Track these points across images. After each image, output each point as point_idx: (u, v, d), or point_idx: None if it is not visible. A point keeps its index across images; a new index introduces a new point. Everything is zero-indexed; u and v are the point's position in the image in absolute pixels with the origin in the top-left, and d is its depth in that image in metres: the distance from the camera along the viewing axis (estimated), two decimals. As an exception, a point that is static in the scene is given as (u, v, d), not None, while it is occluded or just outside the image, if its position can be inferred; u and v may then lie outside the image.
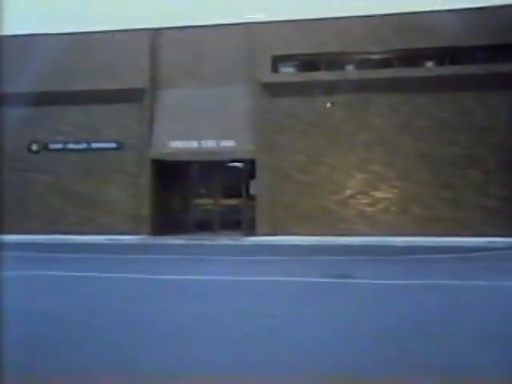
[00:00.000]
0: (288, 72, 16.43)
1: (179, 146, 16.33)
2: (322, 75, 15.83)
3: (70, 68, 16.74)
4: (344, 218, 15.59)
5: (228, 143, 16.13)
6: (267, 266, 9.83)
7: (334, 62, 16.03)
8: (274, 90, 15.94)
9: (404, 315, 5.55)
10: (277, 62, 16.14)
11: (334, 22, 15.74)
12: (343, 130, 15.74)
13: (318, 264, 10.01)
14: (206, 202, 17.82)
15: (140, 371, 3.83)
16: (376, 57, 15.94)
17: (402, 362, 4.01)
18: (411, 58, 15.59)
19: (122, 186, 16.74)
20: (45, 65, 16.38)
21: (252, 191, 16.72)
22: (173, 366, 3.93)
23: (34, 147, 17.12)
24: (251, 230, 15.97)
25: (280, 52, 15.97)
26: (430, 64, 15.64)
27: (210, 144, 16.18)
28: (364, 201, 15.61)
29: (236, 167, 17.54)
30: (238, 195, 17.19)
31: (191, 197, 17.85)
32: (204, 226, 17.34)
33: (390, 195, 15.52)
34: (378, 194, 15.56)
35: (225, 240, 15.22)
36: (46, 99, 16.70)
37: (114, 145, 16.82)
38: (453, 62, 15.31)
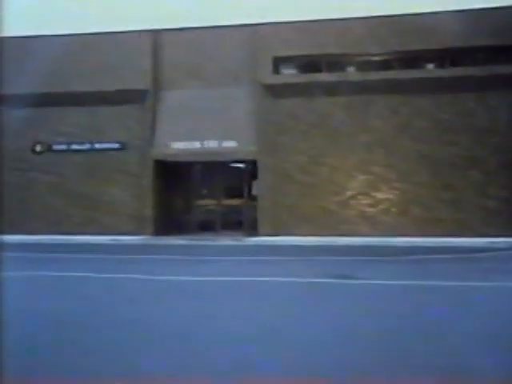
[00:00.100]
0: (289, 73, 16.53)
1: (181, 146, 16.43)
2: (323, 76, 15.91)
3: (73, 69, 16.86)
4: (345, 218, 15.67)
5: (230, 144, 16.23)
6: (269, 267, 9.90)
7: (334, 63, 16.11)
8: (275, 91, 16.03)
9: (405, 316, 5.61)
10: (278, 63, 16.23)
11: (334, 24, 15.82)
12: (344, 131, 15.83)
13: (319, 264, 10.08)
14: (208, 202, 17.92)
15: (140, 371, 3.88)
16: (377, 58, 16.02)
17: (402, 362, 4.07)
18: (412, 59, 15.66)
19: (124, 187, 16.86)
20: (48, 66, 16.51)
21: (254, 192, 16.82)
22: (173, 367, 3.98)
23: (38, 148, 17.25)
24: (253, 231, 16.07)
25: (281, 53, 16.06)
26: (430, 66, 15.73)
27: (212, 145, 16.28)
28: (365, 202, 15.70)
29: (238, 168, 17.64)
30: (239, 196, 17.29)
31: (193, 197, 17.96)
32: (206, 227, 17.44)
33: (391, 196, 15.60)
34: (379, 195, 15.64)
35: (227, 240, 15.32)
36: (49, 100, 16.84)
37: (116, 145, 16.94)
38: (453, 64, 15.38)
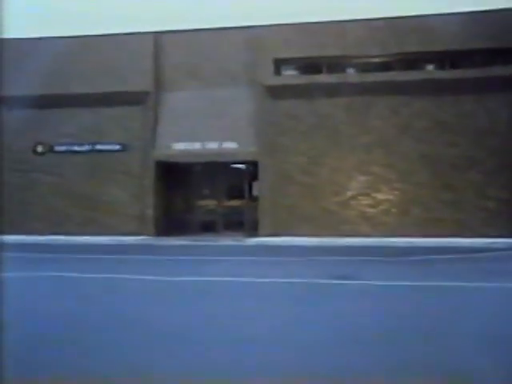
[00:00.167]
0: (290, 74, 16.61)
1: (182, 147, 16.50)
2: (324, 78, 15.99)
3: (75, 71, 16.93)
4: (345, 219, 15.74)
5: (231, 145, 16.30)
6: (270, 268, 9.96)
7: (335, 64, 16.18)
8: (275, 92, 16.10)
9: (406, 316, 5.66)
10: (279, 64, 16.30)
11: (335, 25, 15.89)
12: (344, 132, 15.90)
13: (320, 265, 10.14)
14: (209, 203, 17.99)
15: (141, 372, 3.93)
16: (377, 60, 16.10)
17: (402, 363, 4.12)
18: (412, 61, 15.74)
19: (126, 188, 16.93)
20: (49, 68, 16.60)
21: (255, 192, 16.89)
22: (174, 368, 4.02)
23: (39, 149, 17.33)
24: (254, 231, 16.14)
25: (282, 55, 16.13)
26: (430, 67, 15.82)
27: (212, 146, 16.36)
28: (365, 202, 15.76)
29: (239, 169, 17.71)
30: (240, 196, 17.36)
31: (194, 198, 18.03)
32: (207, 227, 17.51)
33: (391, 197, 15.67)
34: (379, 196, 15.71)
35: (228, 241, 15.38)
36: (50, 102, 16.93)
37: (118, 147, 17.01)
38: (453, 66, 15.46)
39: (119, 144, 17.02)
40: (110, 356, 4.33)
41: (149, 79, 16.77)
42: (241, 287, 7.64)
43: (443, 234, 14.70)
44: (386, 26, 15.58)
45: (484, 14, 15.07)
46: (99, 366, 4.06)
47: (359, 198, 15.80)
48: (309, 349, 4.46)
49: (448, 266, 10.22)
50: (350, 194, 15.84)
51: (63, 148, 17.28)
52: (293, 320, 5.54)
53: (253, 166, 16.59)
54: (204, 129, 16.31)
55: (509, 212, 14.94)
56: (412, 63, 15.74)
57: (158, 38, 16.95)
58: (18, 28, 16.95)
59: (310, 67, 16.50)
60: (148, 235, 16.35)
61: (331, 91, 15.73)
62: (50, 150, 17.33)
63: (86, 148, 17.17)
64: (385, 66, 15.94)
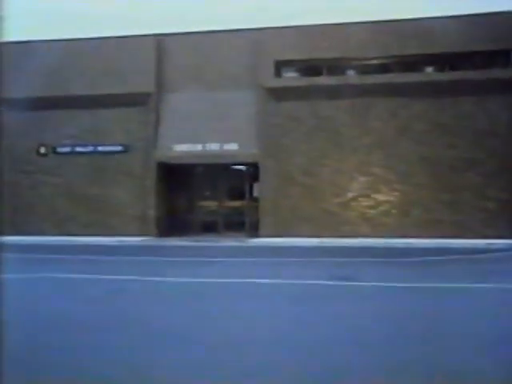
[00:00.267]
0: (291, 77, 16.72)
1: (184, 149, 16.62)
2: (324, 80, 16.09)
3: (77, 73, 17.04)
4: (346, 220, 15.85)
5: (232, 146, 16.41)
6: (272, 269, 10.04)
7: (335, 67, 16.29)
8: (276, 94, 16.21)
9: (406, 318, 5.74)
10: (280, 66, 16.41)
11: (335, 28, 16.00)
12: (345, 134, 16.00)
13: (321, 266, 10.22)
14: (211, 204, 18.11)
15: (142, 372, 3.99)
16: (377, 62, 16.20)
17: (402, 363, 4.19)
18: (411, 63, 15.85)
19: (128, 189, 17.04)
20: (52, 70, 16.72)
21: (256, 194, 16.99)
22: (176, 368, 4.08)
23: (42, 150, 17.45)
24: (255, 232, 16.24)
25: (283, 57, 16.23)
26: (429, 69, 15.92)
27: (214, 147, 16.47)
28: (365, 203, 15.87)
29: (240, 170, 17.83)
30: (241, 197, 17.49)
31: (196, 199, 18.15)
32: (209, 228, 17.62)
33: (391, 198, 15.77)
34: (379, 197, 15.81)
35: (229, 241, 15.48)
36: (53, 103, 17.06)
37: (120, 148, 17.12)
38: (452, 68, 15.57)
39: (121, 145, 17.13)
40: (110, 356, 4.41)
41: (151, 81, 16.87)
42: (242, 288, 7.73)
43: (443, 234, 14.79)
44: (386, 28, 15.68)
45: (483, 16, 15.16)
46: (99, 366, 4.14)
47: (359, 199, 15.90)
48: (309, 349, 4.53)
49: (448, 267, 10.31)
50: (350, 195, 15.94)
51: (66, 149, 17.40)
52: (293, 321, 5.61)
53: (254, 167, 16.69)
54: (205, 130, 16.41)
55: (508, 213, 15.03)
56: (412, 65, 15.84)
57: (160, 41, 17.06)
58: (21, 30, 17.08)
59: (310, 69, 16.60)
60: (150, 236, 16.46)
61: (332, 93, 15.83)
62: (53, 151, 17.46)
63: (88, 149, 17.28)
64: (385, 68, 16.04)
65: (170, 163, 16.99)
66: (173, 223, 17.30)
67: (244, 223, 17.24)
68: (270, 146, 16.27)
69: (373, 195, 15.83)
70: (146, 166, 16.91)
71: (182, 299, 7.02)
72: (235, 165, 17.69)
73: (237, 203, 17.70)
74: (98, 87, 16.85)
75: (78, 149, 17.34)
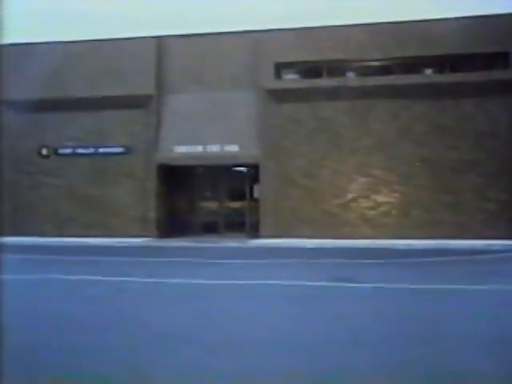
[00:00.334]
0: (291, 78, 16.77)
1: (185, 150, 16.68)
2: (324, 82, 16.13)
3: (79, 75, 17.11)
4: (346, 221, 15.89)
5: (232, 148, 16.47)
6: (273, 270, 10.09)
7: (335, 68, 16.34)
8: (277, 95, 16.26)
9: (406, 319, 5.77)
10: (280, 68, 16.46)
11: (335, 30, 16.04)
12: (345, 135, 16.05)
13: (321, 267, 10.26)
14: (211, 205, 18.19)
15: (143, 373, 4.03)
16: (377, 64, 16.25)
17: (402, 363, 4.23)
18: (412, 65, 15.89)
19: (129, 190, 17.11)
20: (54, 72, 16.79)
21: (256, 195, 17.05)
22: (177, 370, 4.12)
23: (44, 152, 17.53)
24: (255, 233, 16.30)
25: (283, 59, 16.28)
26: (429, 71, 15.96)
27: (214, 149, 16.53)
28: (365, 204, 15.91)
29: (240, 171, 17.89)
30: (242, 198, 17.55)
31: (197, 200, 18.22)
32: (209, 228, 17.70)
33: (391, 199, 15.81)
34: (380, 198, 15.85)
35: (230, 242, 15.51)
36: (55, 105, 17.13)
37: (121, 149, 17.20)
38: (453, 70, 15.61)
39: (122, 147, 17.20)
40: (110, 356, 4.46)
41: (151, 83, 16.94)
42: (243, 289, 7.78)
43: (443, 235, 14.83)
44: (387, 30, 15.73)
45: (483, 18, 15.22)
46: (98, 366, 4.19)
47: (359, 200, 15.95)
48: (308, 350, 4.57)
49: (448, 268, 10.34)
50: (350, 196, 15.99)
51: (67, 151, 17.48)
52: (292, 322, 5.64)
53: (254, 168, 16.75)
54: (206, 132, 16.48)
55: (508, 214, 15.07)
56: (412, 67, 15.89)
57: (160, 43, 17.13)
58: (22, 32, 17.15)
59: (311, 71, 16.65)
60: (151, 237, 16.51)
61: (332, 95, 15.88)
62: (55, 152, 17.54)
63: (89, 151, 17.36)
64: (385, 70, 16.09)
65: (171, 164, 17.05)
66: (173, 224, 17.36)
67: (244, 224, 17.30)
68: (271, 148, 16.32)
69: (373, 196, 15.88)
70: (147, 167, 16.98)
71: (182, 300, 7.05)
72: (236, 166, 17.75)
73: (237, 204, 17.77)
74: (99, 89, 16.92)
75: (80, 150, 17.42)
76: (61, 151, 17.51)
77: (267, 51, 16.24)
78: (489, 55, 15.32)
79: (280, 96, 16.22)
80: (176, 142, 16.73)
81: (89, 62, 17.17)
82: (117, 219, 16.95)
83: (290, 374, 3.98)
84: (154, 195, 16.90)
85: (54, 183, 17.49)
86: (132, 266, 10.79)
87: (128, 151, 17.17)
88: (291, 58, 16.27)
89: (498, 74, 15.09)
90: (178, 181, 17.76)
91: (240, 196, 17.65)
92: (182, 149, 16.71)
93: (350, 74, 16.42)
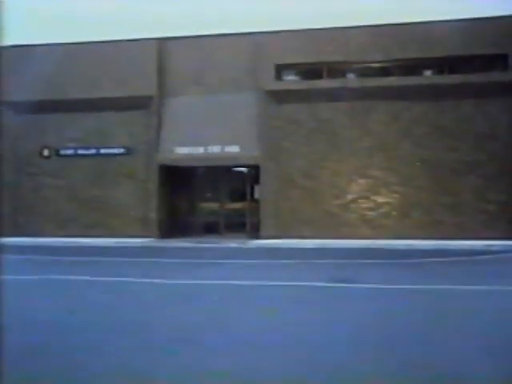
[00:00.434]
0: (291, 80, 16.83)
1: (185, 151, 16.73)
2: (325, 83, 16.18)
3: (80, 76, 17.18)
4: (346, 221, 15.94)
5: (233, 149, 16.52)
6: (273, 270, 10.13)
7: (335, 70, 16.40)
8: (277, 97, 16.32)
9: (405, 319, 5.80)
10: (280, 70, 16.52)
11: (335, 32, 16.10)
12: (345, 136, 16.10)
13: (321, 268, 10.28)
14: (212, 205, 18.26)
15: (144, 373, 4.04)
16: (377, 65, 16.31)
17: (402, 364, 4.26)
18: (412, 66, 15.95)
19: (130, 191, 17.17)
20: (56, 73, 16.86)
21: (256, 195, 17.11)
22: (178, 371, 4.14)
23: (46, 153, 17.60)
24: (256, 233, 16.35)
25: (283, 60, 16.34)
26: (429, 73, 16.02)
27: (215, 150, 16.57)
28: (365, 205, 15.96)
29: (241, 172, 17.96)
30: (243, 199, 17.62)
31: (197, 201, 18.29)
32: (210, 229, 17.76)
33: (391, 200, 15.86)
34: (379, 199, 15.90)
35: (230, 243, 15.56)
36: (57, 106, 17.21)
37: (122, 150, 17.26)
38: (453, 71, 15.67)
39: (124, 148, 17.26)
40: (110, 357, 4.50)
41: (153, 84, 17.00)
42: (242, 289, 7.82)
43: (443, 236, 14.87)
44: (387, 32, 15.78)
45: (483, 20, 15.27)
46: (97, 365, 4.23)
47: (359, 201, 16.00)
48: (308, 350, 4.60)
49: (448, 268, 10.38)
50: (350, 197, 16.04)
51: (69, 152, 17.55)
52: (292, 322, 5.67)
53: (255, 169, 16.81)
54: (207, 133, 16.53)
55: (508, 215, 15.12)
56: (412, 69, 15.94)
57: (161, 44, 17.19)
58: (24, 34, 17.24)
59: (311, 72, 16.71)
60: (152, 237, 16.57)
61: (332, 96, 15.93)
62: (56, 153, 17.61)
63: (91, 152, 17.42)
64: (385, 72, 16.15)
65: (172, 165, 17.11)
66: (174, 225, 17.42)
67: (245, 225, 17.36)
68: (271, 149, 16.38)
69: (373, 197, 15.93)
70: (148, 168, 17.04)
71: (182, 300, 7.09)
72: (236, 167, 17.82)
73: (238, 205, 17.84)
74: (100, 90, 16.98)
75: (81, 151, 17.48)
76: (62, 152, 17.58)
77: (268, 53, 16.30)
78: (488, 57, 15.38)
79: (280, 97, 16.27)
80: (177, 143, 16.79)
81: (90, 63, 17.23)
82: (118, 220, 17.02)
83: (290, 374, 4.01)
84: (154, 196, 16.96)
85: (55, 184, 17.55)
86: (132, 267, 10.83)
87: (129, 152, 17.23)
88: (292, 60, 16.33)
89: (497, 76, 15.15)
90: (178, 182, 17.82)
91: (240, 197, 17.71)
92: (182, 150, 16.77)
93: (350, 76, 16.48)
